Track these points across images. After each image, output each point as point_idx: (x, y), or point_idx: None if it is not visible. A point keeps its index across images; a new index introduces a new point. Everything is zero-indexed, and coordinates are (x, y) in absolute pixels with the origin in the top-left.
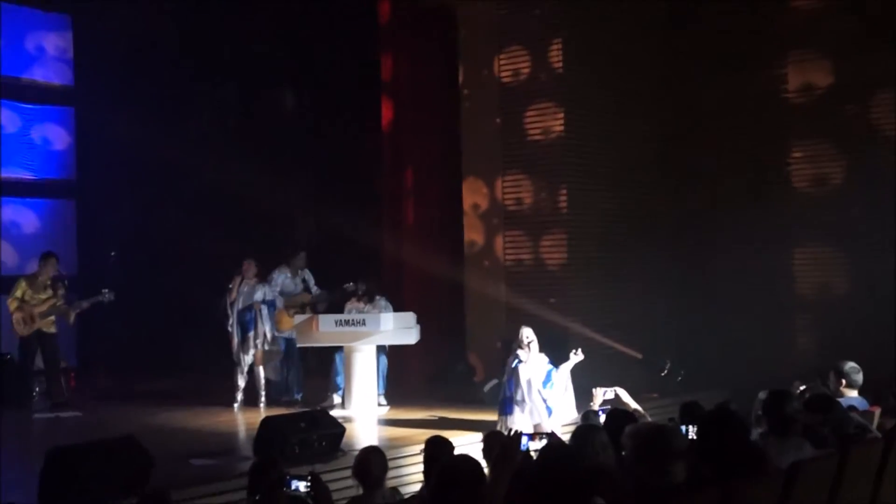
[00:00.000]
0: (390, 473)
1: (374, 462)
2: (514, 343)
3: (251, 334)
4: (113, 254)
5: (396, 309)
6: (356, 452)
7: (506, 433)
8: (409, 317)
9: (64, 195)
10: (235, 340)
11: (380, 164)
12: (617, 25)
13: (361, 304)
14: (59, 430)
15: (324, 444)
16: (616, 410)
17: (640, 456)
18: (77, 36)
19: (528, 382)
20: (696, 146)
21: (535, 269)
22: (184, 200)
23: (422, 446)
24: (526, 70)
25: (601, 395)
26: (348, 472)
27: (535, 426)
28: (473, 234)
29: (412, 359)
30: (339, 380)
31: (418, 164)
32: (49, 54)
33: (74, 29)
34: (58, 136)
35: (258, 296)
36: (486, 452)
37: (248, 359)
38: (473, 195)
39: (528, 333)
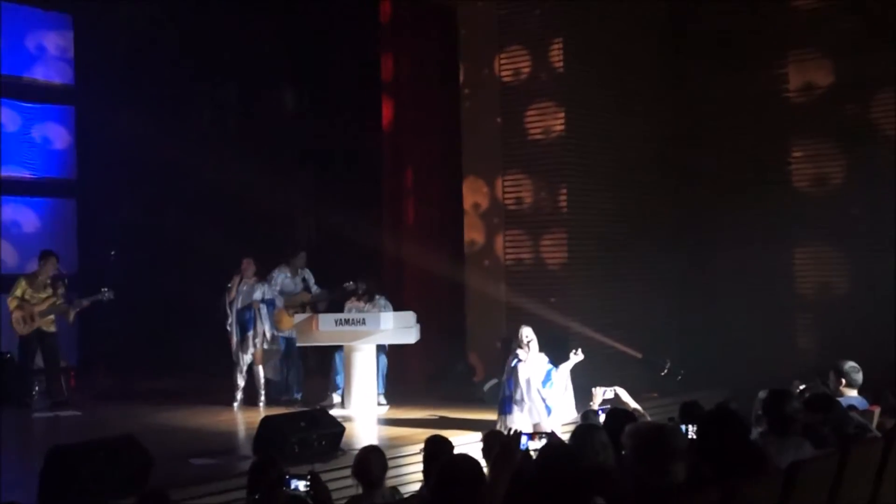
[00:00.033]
0: (390, 473)
1: (373, 461)
2: (513, 342)
3: (250, 333)
4: (113, 253)
5: (396, 308)
6: (356, 452)
7: (505, 433)
8: (409, 316)
9: (64, 194)
10: (234, 340)
11: (380, 164)
12: (617, 25)
13: (361, 304)
14: (59, 430)
15: (323, 443)
16: (616, 410)
17: (639, 455)
18: (77, 35)
19: (528, 382)
20: (696, 146)
21: (536, 268)
22: (184, 200)
23: (421, 446)
24: (526, 70)
25: (601, 394)
26: (348, 472)
27: (535, 426)
28: (474, 233)
29: (412, 358)
30: (339, 379)
31: (418, 163)
32: (50, 53)
33: (75, 28)
34: (58, 136)
35: (257, 295)
36: (486, 452)
37: (247, 358)
38: (474, 195)
39: (527, 333)
